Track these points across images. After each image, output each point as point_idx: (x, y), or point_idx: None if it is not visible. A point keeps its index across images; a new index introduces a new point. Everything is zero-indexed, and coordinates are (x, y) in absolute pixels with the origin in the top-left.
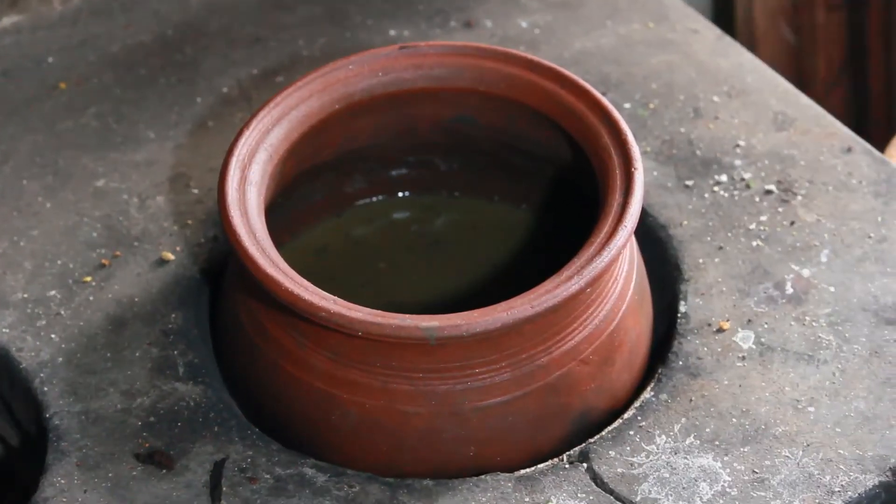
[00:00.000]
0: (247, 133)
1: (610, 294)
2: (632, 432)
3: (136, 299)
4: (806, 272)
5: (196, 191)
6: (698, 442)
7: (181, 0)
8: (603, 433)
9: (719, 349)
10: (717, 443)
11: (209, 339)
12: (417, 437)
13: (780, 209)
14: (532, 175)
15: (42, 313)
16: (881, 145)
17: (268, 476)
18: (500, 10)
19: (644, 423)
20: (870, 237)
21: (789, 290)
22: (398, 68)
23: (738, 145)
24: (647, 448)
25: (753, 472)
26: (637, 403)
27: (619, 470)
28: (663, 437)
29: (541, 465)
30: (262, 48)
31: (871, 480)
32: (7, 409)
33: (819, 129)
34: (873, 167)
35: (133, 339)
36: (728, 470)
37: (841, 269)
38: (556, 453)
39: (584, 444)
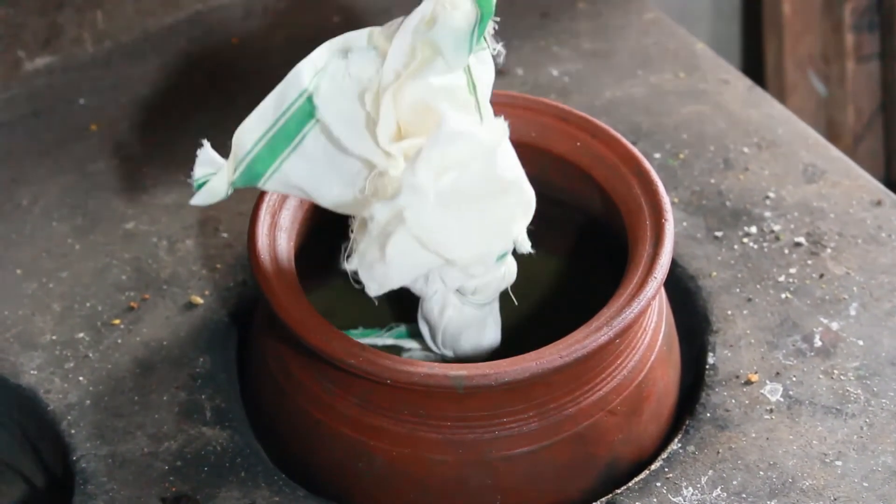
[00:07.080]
0: None
1: (639, 345)
2: (659, 484)
3: (165, 343)
4: (835, 325)
5: (225, 235)
6: (725, 494)
7: (213, 42)
8: (630, 484)
9: (747, 401)
10: (743, 495)
11: (237, 384)
12: (444, 485)
13: (809, 262)
14: (561, 223)
15: (70, 355)
16: None
17: None
18: (532, 58)
19: (671, 475)
20: None
21: (818, 342)
22: None
23: (767, 197)
24: (674, 500)
25: None
26: (664, 455)
27: None
28: (690, 488)
29: None
30: None
31: None
32: (34, 451)
33: (849, 181)
34: None
35: (161, 383)
36: None
37: (870, 322)
38: None
39: (610, 495)
